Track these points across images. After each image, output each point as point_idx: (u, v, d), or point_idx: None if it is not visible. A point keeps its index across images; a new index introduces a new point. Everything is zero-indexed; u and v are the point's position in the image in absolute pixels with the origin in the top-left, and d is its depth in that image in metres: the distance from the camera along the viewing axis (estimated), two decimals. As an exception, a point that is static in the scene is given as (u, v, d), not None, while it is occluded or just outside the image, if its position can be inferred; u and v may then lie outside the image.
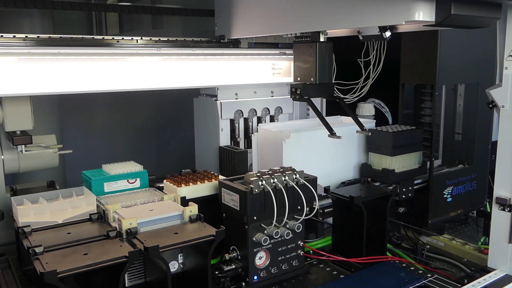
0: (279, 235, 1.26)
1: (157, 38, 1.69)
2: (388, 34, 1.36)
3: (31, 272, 1.24)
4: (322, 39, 1.47)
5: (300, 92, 1.50)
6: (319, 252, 1.44)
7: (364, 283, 1.29)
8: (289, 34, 1.58)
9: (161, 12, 2.32)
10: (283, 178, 1.27)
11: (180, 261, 1.26)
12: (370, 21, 1.23)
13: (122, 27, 2.83)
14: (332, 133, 1.49)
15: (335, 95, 1.56)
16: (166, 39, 1.71)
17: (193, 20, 2.27)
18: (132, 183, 1.43)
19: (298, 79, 1.54)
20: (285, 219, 1.25)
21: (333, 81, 1.58)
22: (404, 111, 1.86)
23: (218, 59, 1.79)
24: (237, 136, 1.89)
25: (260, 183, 1.23)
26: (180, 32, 1.79)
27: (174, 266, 1.25)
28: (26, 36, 1.45)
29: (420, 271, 1.38)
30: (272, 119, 1.99)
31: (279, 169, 1.31)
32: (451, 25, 1.18)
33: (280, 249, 1.30)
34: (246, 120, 1.92)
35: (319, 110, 1.58)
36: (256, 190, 1.22)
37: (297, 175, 1.29)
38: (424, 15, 1.11)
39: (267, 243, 1.27)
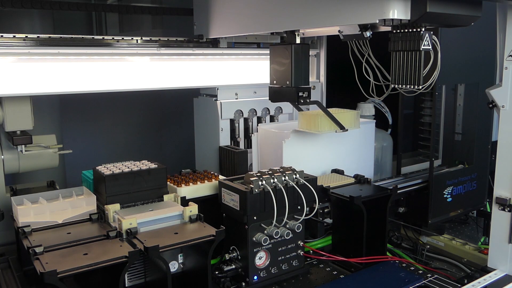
0: (279, 235, 1.26)
1: (157, 38, 1.69)
2: (368, 33, 1.35)
3: (31, 272, 1.24)
4: (298, 41, 1.47)
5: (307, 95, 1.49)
6: (319, 252, 1.44)
7: (364, 283, 1.29)
8: (266, 32, 1.54)
9: (138, 11, 2.31)
10: (283, 178, 1.27)
11: (180, 261, 1.26)
12: (344, 20, 1.22)
13: (122, 27, 2.83)
14: (342, 128, 1.51)
15: (313, 99, 1.55)
16: (166, 39, 1.71)
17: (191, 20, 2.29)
18: (132, 183, 1.43)
19: (274, 82, 1.53)
20: (285, 219, 1.25)
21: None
22: (404, 111, 1.87)
23: (218, 59, 1.79)
24: (237, 136, 1.89)
25: (260, 183, 1.23)
26: (176, 32, 1.79)
27: (174, 266, 1.25)
28: (26, 36, 1.45)
29: (420, 271, 1.38)
30: (272, 119, 1.99)
31: (279, 169, 1.31)
32: (427, 23, 1.16)
33: (280, 249, 1.30)
34: (246, 120, 1.92)
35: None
36: (256, 190, 1.22)
37: (297, 175, 1.29)
38: (399, 13, 1.10)
39: (267, 243, 1.27)
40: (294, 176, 1.29)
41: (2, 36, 1.41)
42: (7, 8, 1.90)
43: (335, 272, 1.37)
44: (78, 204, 1.26)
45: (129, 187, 1.27)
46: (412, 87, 1.24)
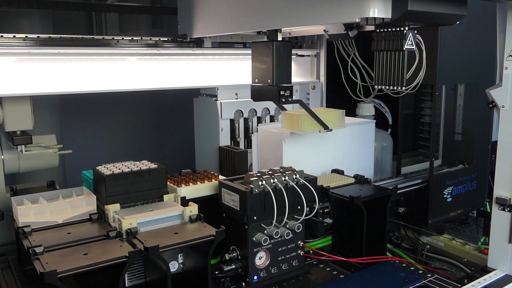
0: (279, 235, 1.26)
1: (157, 38, 1.69)
2: (353, 33, 1.33)
3: (31, 272, 1.24)
4: (279, 38, 1.45)
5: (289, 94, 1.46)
6: (319, 252, 1.44)
7: (364, 283, 1.29)
8: (250, 32, 1.53)
9: (128, 11, 2.32)
10: (283, 178, 1.27)
11: (180, 261, 1.26)
12: (325, 18, 1.20)
13: (122, 27, 2.84)
14: (326, 128, 1.48)
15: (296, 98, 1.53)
16: (166, 39, 1.71)
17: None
18: (132, 183, 1.43)
19: (256, 80, 1.51)
20: (285, 219, 1.25)
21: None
22: (404, 111, 1.87)
23: (218, 59, 1.79)
24: (237, 136, 1.89)
25: (260, 183, 1.23)
26: (176, 33, 1.79)
27: (174, 266, 1.25)
28: (26, 36, 1.45)
29: (420, 271, 1.38)
30: (272, 119, 1.99)
31: (279, 169, 1.31)
32: (409, 22, 1.14)
33: (280, 249, 1.30)
34: (246, 120, 1.92)
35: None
36: (256, 190, 1.22)
37: (297, 175, 1.29)
38: (379, 11, 1.08)
39: (267, 243, 1.27)
40: (294, 176, 1.29)
41: (2, 36, 1.42)
42: (14, 8, 1.90)
43: (335, 272, 1.37)
44: (78, 204, 1.26)
45: (129, 187, 1.27)
46: (395, 88, 1.22)
